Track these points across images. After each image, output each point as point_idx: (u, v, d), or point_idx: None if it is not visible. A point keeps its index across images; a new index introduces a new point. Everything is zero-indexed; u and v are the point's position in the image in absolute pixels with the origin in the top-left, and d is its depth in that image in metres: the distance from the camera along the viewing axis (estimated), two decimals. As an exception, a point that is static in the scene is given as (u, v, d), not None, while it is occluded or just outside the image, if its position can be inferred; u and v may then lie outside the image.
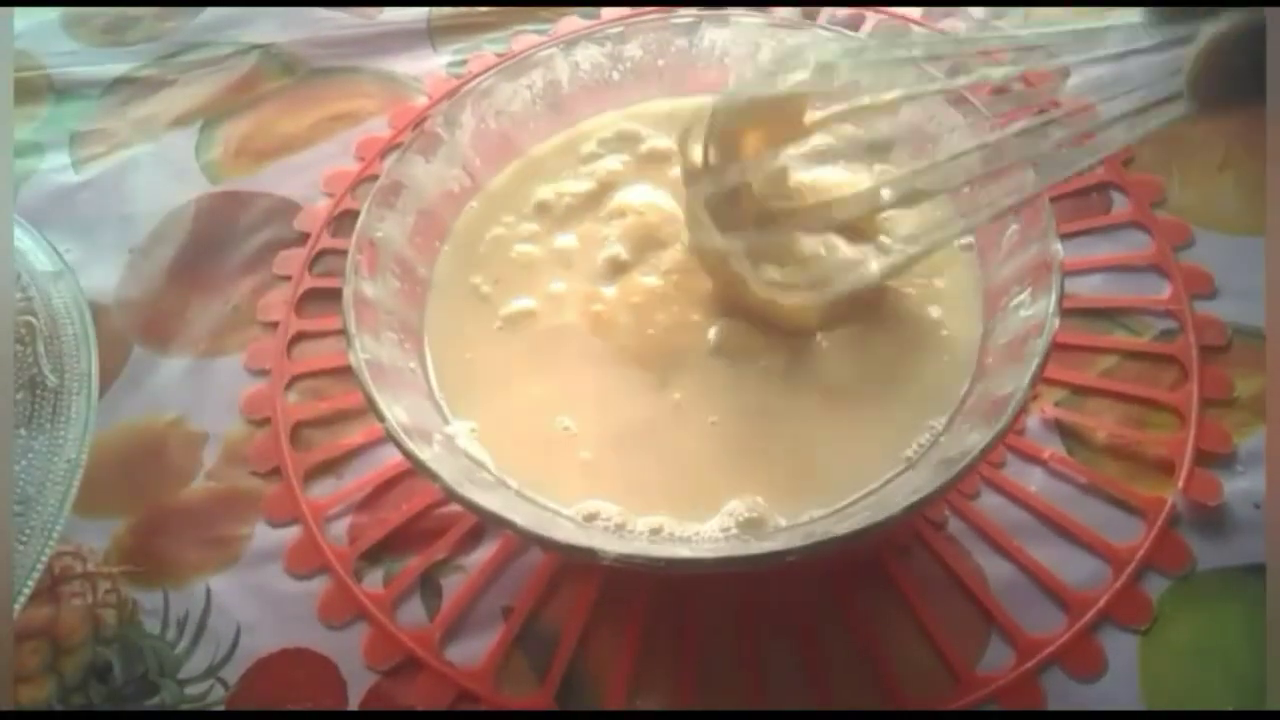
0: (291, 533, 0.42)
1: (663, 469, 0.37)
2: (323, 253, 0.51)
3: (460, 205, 0.44)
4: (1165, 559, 0.39)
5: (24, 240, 0.46)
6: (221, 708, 0.38)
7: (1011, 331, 0.36)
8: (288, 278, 0.50)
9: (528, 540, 0.33)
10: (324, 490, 0.43)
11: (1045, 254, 0.36)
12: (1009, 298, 0.38)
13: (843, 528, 0.31)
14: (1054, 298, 0.34)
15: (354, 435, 0.44)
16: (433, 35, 0.60)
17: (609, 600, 0.39)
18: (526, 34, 0.60)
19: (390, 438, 0.34)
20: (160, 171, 0.55)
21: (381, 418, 0.34)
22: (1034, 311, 0.35)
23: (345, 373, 0.45)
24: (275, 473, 0.44)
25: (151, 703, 0.39)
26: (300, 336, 0.48)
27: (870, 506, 0.34)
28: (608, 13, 0.60)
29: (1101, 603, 0.38)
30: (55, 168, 0.56)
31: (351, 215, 0.51)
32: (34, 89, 0.59)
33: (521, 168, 0.46)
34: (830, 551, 0.31)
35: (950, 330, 0.39)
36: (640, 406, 0.38)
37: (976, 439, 0.32)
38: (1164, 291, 0.46)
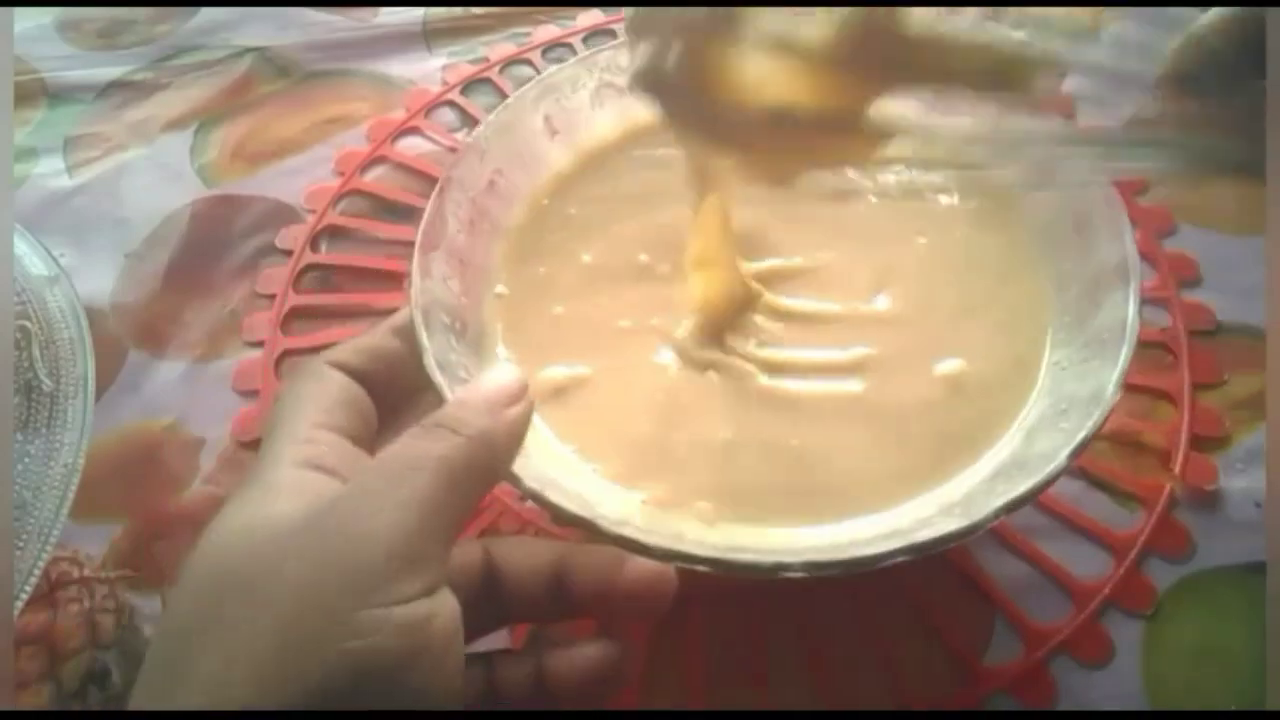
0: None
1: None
2: (306, 269, 0.50)
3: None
4: (1166, 544, 0.39)
5: (19, 245, 0.46)
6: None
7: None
8: (271, 296, 0.49)
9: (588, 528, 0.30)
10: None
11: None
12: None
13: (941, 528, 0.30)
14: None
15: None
16: (428, 38, 0.60)
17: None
18: (547, 25, 0.60)
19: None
20: (155, 175, 0.55)
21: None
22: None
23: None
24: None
25: (150, 708, 0.38)
26: (288, 354, 0.47)
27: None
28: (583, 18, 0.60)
29: (1106, 590, 0.38)
30: (49, 172, 0.55)
31: (332, 230, 0.51)
32: (28, 93, 0.59)
33: None
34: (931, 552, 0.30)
35: None
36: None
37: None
38: (1150, 279, 0.46)
